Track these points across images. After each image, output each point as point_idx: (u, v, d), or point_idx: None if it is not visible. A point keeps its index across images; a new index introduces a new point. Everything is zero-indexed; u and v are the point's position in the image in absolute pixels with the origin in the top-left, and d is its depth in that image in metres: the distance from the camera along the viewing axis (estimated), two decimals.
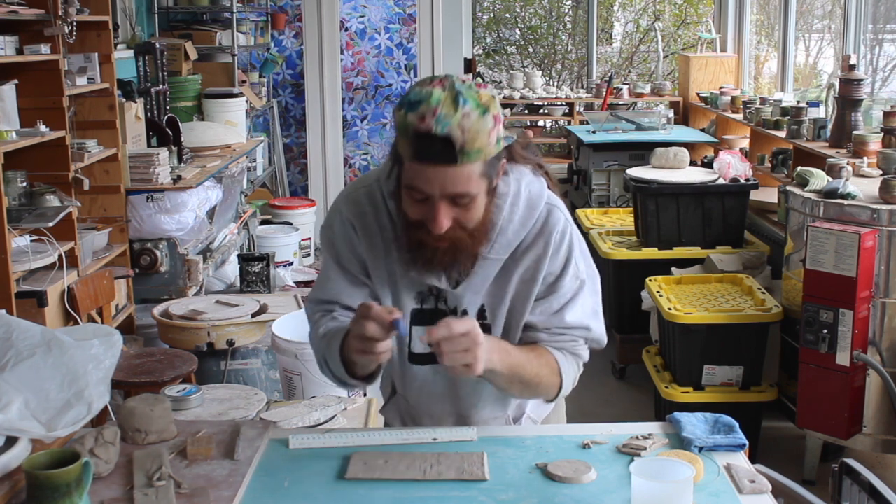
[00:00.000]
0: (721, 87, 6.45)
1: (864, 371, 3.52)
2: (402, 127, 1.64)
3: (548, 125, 7.68)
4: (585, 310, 1.89)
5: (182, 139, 5.11)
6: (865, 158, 4.10)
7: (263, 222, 6.48)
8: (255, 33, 7.51)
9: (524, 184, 1.80)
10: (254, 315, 4.02)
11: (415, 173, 1.65)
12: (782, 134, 4.92)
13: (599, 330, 1.92)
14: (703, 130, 6.42)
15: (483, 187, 1.69)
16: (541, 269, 1.82)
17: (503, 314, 1.86)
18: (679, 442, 1.84)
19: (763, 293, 4.02)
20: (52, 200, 3.73)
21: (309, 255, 6.55)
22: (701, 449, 1.80)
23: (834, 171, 3.82)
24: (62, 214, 3.68)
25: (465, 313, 1.84)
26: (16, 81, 3.72)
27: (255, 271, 4.69)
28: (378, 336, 1.65)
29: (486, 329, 1.84)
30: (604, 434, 1.89)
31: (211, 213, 4.99)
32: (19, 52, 3.67)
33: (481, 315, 1.86)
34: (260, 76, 7.53)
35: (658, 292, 4.10)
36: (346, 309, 1.89)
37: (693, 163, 5.26)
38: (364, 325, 1.65)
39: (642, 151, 5.57)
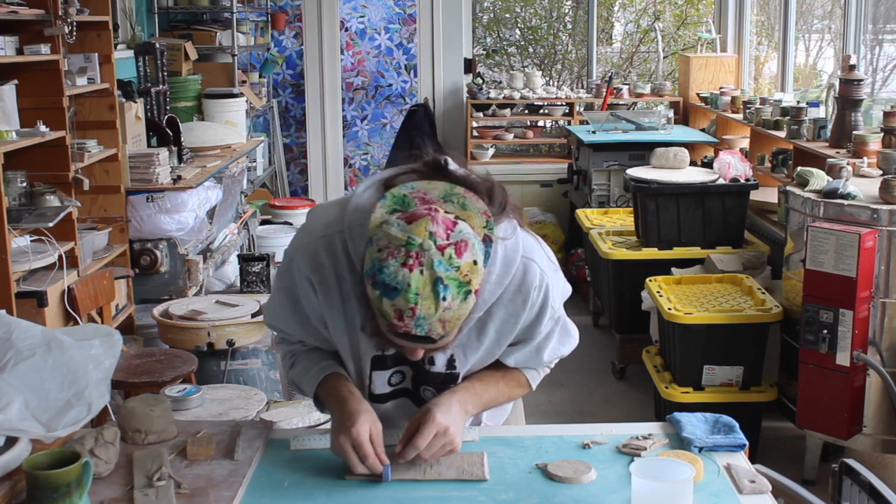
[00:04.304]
0: (721, 88, 6.44)
1: (864, 371, 3.52)
2: (377, 309, 1.51)
3: (548, 125, 7.66)
4: (560, 338, 1.89)
5: (182, 139, 5.10)
6: (865, 158, 4.09)
7: (263, 222, 6.48)
8: (255, 33, 7.51)
9: (499, 240, 1.65)
10: (254, 315, 4.02)
11: (391, 338, 1.57)
12: (782, 134, 4.92)
13: (572, 345, 1.94)
14: (703, 130, 6.42)
15: None
16: (518, 322, 1.77)
17: (474, 361, 1.84)
18: (679, 442, 1.84)
19: (763, 293, 4.02)
20: (52, 200, 3.73)
21: None
22: (701, 449, 1.80)
23: (834, 172, 3.82)
24: (62, 214, 3.67)
25: (431, 362, 1.82)
26: (16, 81, 3.72)
27: (255, 271, 4.69)
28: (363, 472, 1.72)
29: (454, 378, 1.84)
30: (604, 434, 1.89)
31: (211, 214, 4.99)
32: (19, 52, 3.67)
33: (450, 364, 1.83)
34: (260, 76, 7.53)
35: (658, 292, 4.10)
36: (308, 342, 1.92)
37: (693, 163, 5.26)
38: (353, 464, 1.71)
39: (642, 151, 5.57)
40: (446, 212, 1.53)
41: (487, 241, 1.56)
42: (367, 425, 1.72)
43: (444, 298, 1.48)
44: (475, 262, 1.51)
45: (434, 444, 1.72)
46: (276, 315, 1.89)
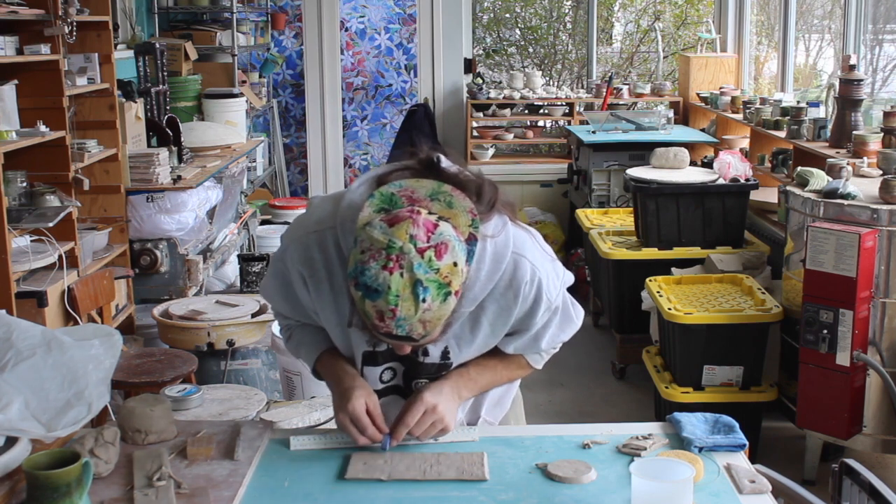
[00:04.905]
0: (721, 88, 6.44)
1: (864, 371, 3.52)
2: (360, 309, 1.55)
3: (548, 125, 7.66)
4: (561, 325, 1.89)
5: (182, 139, 5.11)
6: (865, 158, 4.09)
7: (263, 222, 6.48)
8: (255, 33, 7.51)
9: (488, 238, 1.68)
10: (254, 315, 4.02)
11: (376, 335, 1.59)
12: (782, 134, 4.92)
13: (572, 331, 1.94)
14: (703, 130, 6.42)
15: None
16: (511, 316, 1.79)
17: (468, 353, 1.86)
18: (679, 442, 1.84)
19: (763, 293, 4.02)
20: (52, 200, 3.73)
21: None
22: (701, 449, 1.80)
23: (834, 172, 3.82)
24: (62, 214, 3.68)
25: (425, 353, 1.83)
26: (16, 81, 3.72)
27: (255, 271, 4.69)
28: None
29: (448, 369, 1.86)
30: (604, 434, 1.89)
31: (211, 214, 4.99)
32: (19, 52, 3.67)
33: (445, 355, 1.84)
34: (260, 76, 7.53)
35: (658, 292, 4.10)
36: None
37: (693, 163, 5.25)
38: (355, 437, 1.79)
39: (642, 151, 5.57)
40: (430, 212, 1.55)
41: (472, 239, 1.58)
42: (362, 399, 1.79)
43: (424, 300, 1.51)
44: (455, 264, 1.53)
45: (424, 422, 1.78)
46: (271, 295, 1.95)
